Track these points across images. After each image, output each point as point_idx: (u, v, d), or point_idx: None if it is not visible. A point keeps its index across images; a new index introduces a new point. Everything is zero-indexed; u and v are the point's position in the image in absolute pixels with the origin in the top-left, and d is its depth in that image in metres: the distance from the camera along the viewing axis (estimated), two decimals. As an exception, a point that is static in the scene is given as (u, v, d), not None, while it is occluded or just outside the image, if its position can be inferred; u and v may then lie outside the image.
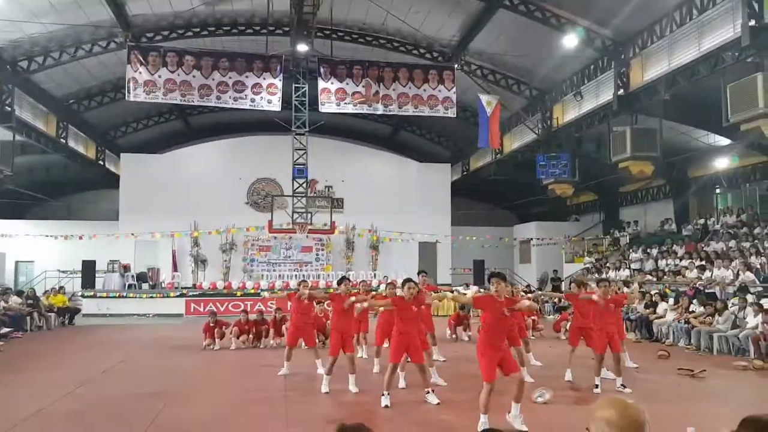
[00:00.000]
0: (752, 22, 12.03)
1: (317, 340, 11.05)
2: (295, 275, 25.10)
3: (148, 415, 7.24)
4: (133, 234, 24.48)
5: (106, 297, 22.13)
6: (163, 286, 24.18)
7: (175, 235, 24.95)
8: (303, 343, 10.40)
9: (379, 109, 20.98)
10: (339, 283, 9.52)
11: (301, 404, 8.04)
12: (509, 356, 6.83)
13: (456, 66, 20.80)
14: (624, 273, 19.37)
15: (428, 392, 7.96)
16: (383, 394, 7.70)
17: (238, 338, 13.44)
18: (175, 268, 25.10)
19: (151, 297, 22.44)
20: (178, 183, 25.69)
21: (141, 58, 18.63)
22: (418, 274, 11.58)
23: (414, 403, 7.93)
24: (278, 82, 20.19)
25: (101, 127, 25.94)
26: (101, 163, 26.26)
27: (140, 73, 18.59)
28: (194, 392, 8.86)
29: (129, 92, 18.73)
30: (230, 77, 19.66)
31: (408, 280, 8.43)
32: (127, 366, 11.14)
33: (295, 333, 10.24)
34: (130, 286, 23.55)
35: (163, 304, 22.10)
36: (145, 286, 24.09)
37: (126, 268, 24.40)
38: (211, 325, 13.42)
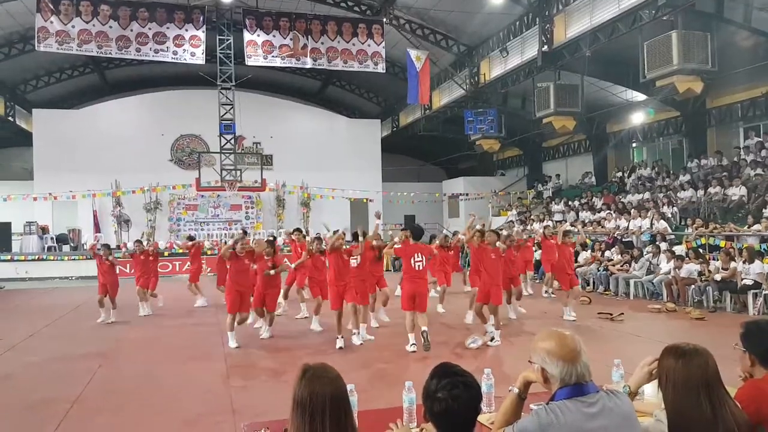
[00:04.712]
0: (669, -19, 12.55)
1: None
2: (225, 234, 24.74)
3: (85, 375, 7.13)
4: (51, 194, 23.27)
5: (24, 260, 21.11)
6: (85, 247, 23.28)
7: (96, 195, 23.93)
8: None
9: (308, 63, 20.63)
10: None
11: (240, 357, 8.12)
12: (422, 294, 8.22)
13: (384, 20, 20.62)
14: (547, 224, 20.19)
15: (354, 333, 8.62)
16: (337, 338, 8.46)
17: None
18: (97, 228, 24.16)
19: (74, 259, 21.56)
20: (96, 140, 24.48)
21: (52, 7, 17.45)
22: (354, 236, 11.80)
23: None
24: (201, 34, 19.47)
25: (9, 82, 24.23)
26: (11, 119, 24.59)
27: (52, 22, 17.45)
28: (130, 352, 8.75)
29: (39, 42, 17.55)
30: (150, 28, 18.77)
31: (336, 231, 9.45)
32: (56, 329, 10.79)
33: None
34: (49, 248, 22.55)
35: (87, 266, 21.19)
36: (65, 248, 23.12)
37: (44, 230, 23.28)
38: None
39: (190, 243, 14.41)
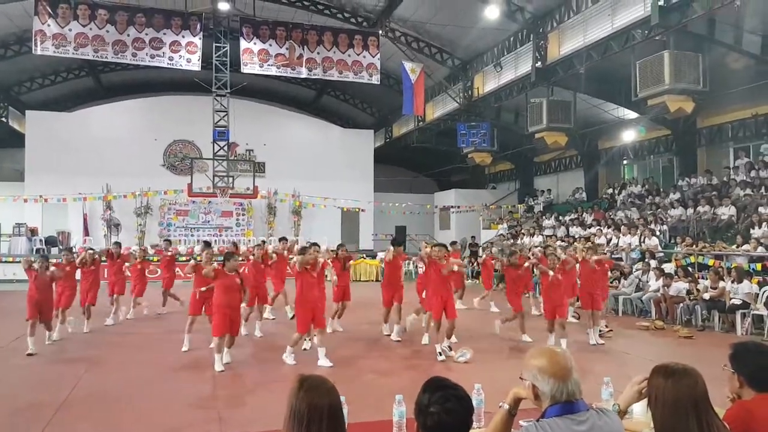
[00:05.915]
0: (661, 2, 12.72)
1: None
2: (215, 240, 24.61)
3: (71, 379, 7.07)
4: (42, 196, 23.11)
5: (12, 262, 20.91)
6: (74, 251, 23.10)
7: (87, 198, 23.78)
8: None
9: (303, 73, 20.72)
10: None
11: (226, 366, 8.04)
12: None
13: (380, 32, 20.76)
14: (537, 239, 20.29)
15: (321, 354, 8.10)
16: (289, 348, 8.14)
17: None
18: (86, 232, 24.01)
19: (61, 261, 21.33)
20: (89, 143, 24.36)
21: (50, 10, 17.45)
22: (338, 247, 11.24)
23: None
24: (198, 41, 19.52)
25: (4, 83, 24.18)
26: (4, 120, 24.47)
27: (49, 25, 17.45)
28: (116, 357, 8.67)
29: (36, 45, 17.54)
30: (147, 34, 18.80)
31: (314, 244, 8.69)
32: (42, 332, 10.65)
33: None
34: (38, 250, 22.34)
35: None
36: (54, 250, 22.92)
37: (33, 232, 23.10)
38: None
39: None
